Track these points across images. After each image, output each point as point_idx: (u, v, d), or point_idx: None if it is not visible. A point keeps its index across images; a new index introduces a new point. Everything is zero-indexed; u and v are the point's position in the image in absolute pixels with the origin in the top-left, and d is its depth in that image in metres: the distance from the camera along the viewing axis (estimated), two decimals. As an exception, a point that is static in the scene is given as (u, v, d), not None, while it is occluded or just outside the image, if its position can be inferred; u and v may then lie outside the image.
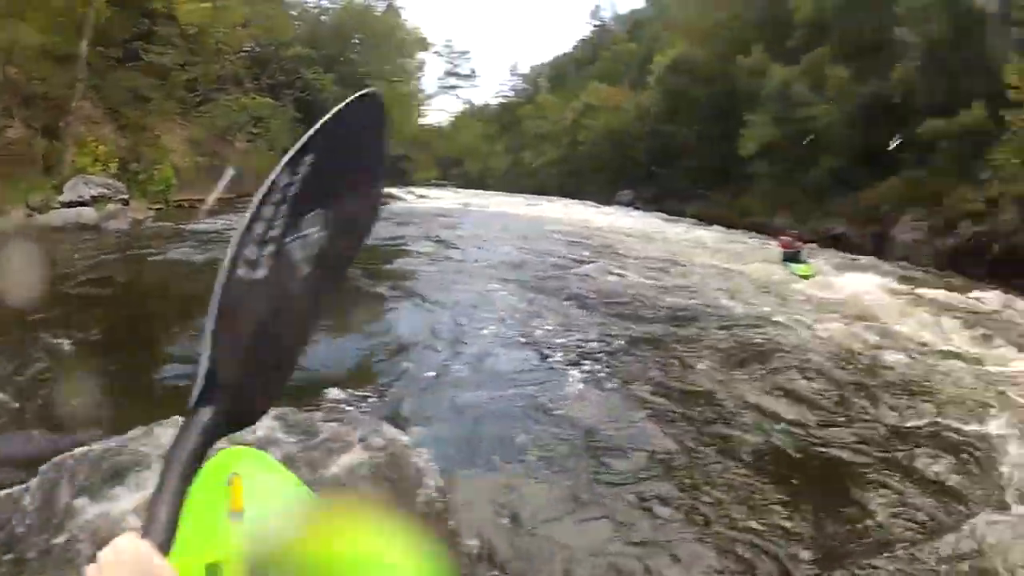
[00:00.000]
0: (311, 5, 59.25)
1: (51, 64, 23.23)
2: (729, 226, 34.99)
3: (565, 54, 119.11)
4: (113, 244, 15.03)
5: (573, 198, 58.21)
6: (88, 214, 18.03)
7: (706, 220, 38.67)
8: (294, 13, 52.44)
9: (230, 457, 1.39)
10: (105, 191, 20.70)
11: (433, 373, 6.93)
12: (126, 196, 22.06)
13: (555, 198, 55.41)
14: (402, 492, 3.93)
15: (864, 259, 22.97)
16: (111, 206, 19.70)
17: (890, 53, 30.84)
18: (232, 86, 35.72)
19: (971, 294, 15.47)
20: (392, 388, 6.30)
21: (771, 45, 42.23)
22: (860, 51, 34.18)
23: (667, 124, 55.59)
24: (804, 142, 34.87)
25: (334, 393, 5.81)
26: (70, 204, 19.24)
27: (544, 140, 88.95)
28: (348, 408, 5.49)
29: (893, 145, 28.37)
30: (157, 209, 23.13)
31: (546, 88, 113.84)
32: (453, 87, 73.22)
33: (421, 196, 41.15)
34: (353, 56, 51.08)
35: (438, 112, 75.97)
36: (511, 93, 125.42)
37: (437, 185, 64.92)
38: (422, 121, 69.26)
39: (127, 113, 27.44)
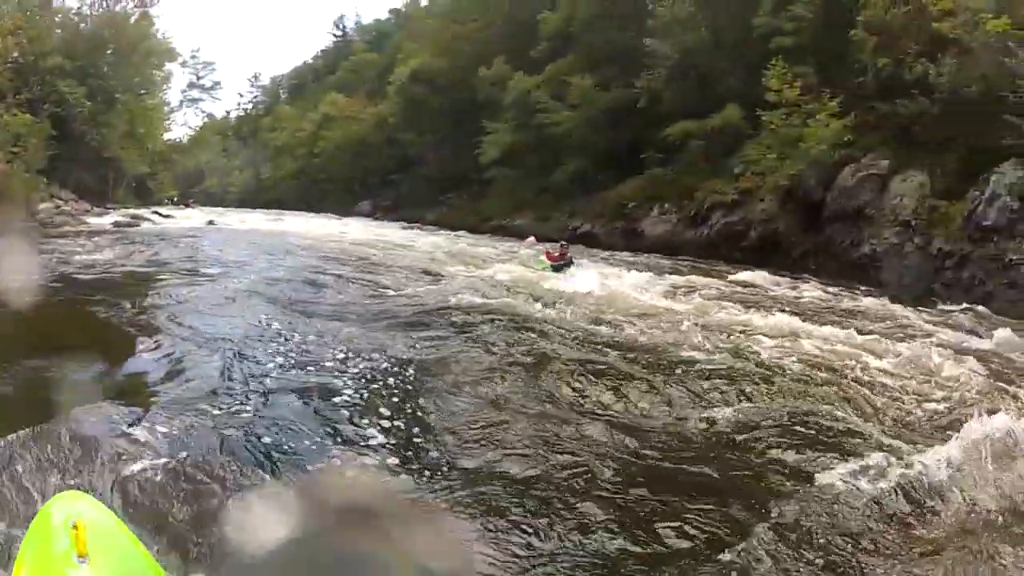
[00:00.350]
0: (73, 13, 53.06)
1: None
2: (472, 230, 34.21)
3: (306, 64, 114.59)
4: None
5: (313, 211, 55.70)
6: None
7: (448, 226, 37.49)
8: (58, 19, 46.53)
9: (66, 502, 1.36)
10: None
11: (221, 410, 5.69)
12: None
13: (296, 213, 52.34)
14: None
15: (620, 254, 23.30)
16: None
17: (637, 63, 31.32)
18: None
19: (731, 276, 16.78)
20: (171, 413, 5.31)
21: (514, 56, 42.26)
22: (606, 60, 34.81)
23: (406, 133, 54.30)
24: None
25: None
26: None
27: (282, 153, 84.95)
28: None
29: (647, 154, 29.32)
30: None
31: (285, 99, 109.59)
32: (196, 100, 67.37)
33: (167, 216, 37.69)
34: (105, 68, 45.65)
35: (180, 127, 69.70)
36: (250, 105, 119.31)
37: (180, 203, 59.65)
38: (167, 136, 63.55)
39: None
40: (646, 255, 22.83)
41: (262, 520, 3.68)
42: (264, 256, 17.99)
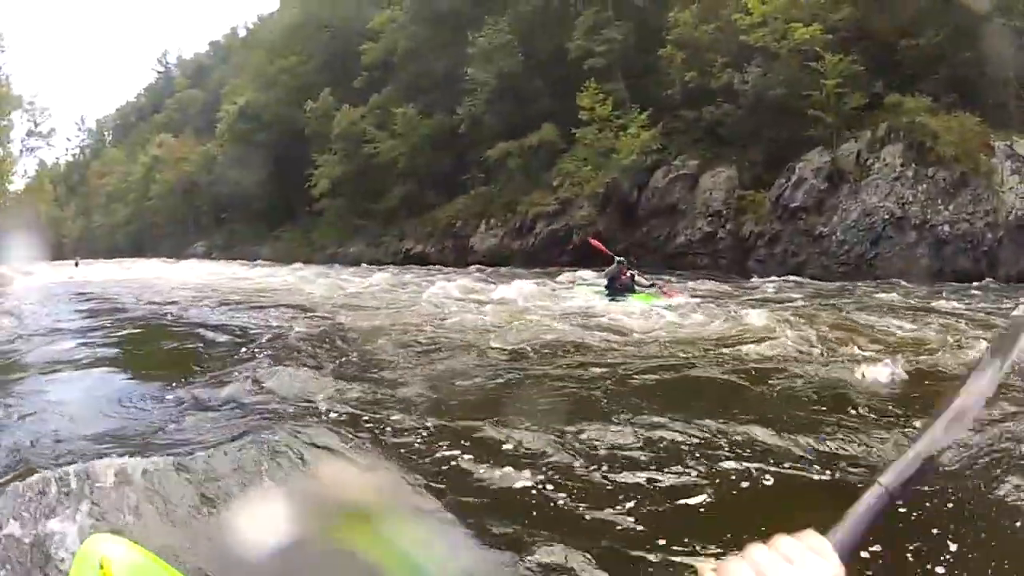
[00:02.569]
0: None
1: None
2: (307, 262, 33.39)
3: (129, 103, 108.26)
4: None
5: (147, 256, 53.63)
6: None
7: (282, 260, 36.48)
8: None
9: (97, 543, 1.30)
10: None
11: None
12: None
13: (133, 259, 50.47)
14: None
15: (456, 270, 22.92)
16: None
17: (458, 89, 31.73)
18: None
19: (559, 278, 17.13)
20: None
21: (338, 87, 41.86)
22: (427, 89, 35.00)
23: (235, 170, 51.82)
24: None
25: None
26: None
27: (114, 199, 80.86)
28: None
29: (470, 175, 30.18)
30: None
31: (111, 142, 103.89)
32: (34, 148, 62.95)
33: (27, 272, 34.03)
34: None
35: (21, 177, 63.89)
36: (78, 150, 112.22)
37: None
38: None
39: None
40: (476, 268, 22.70)
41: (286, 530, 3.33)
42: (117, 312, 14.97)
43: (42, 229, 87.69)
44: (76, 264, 34.50)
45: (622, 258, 12.73)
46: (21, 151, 62.14)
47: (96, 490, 3.67)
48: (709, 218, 20.26)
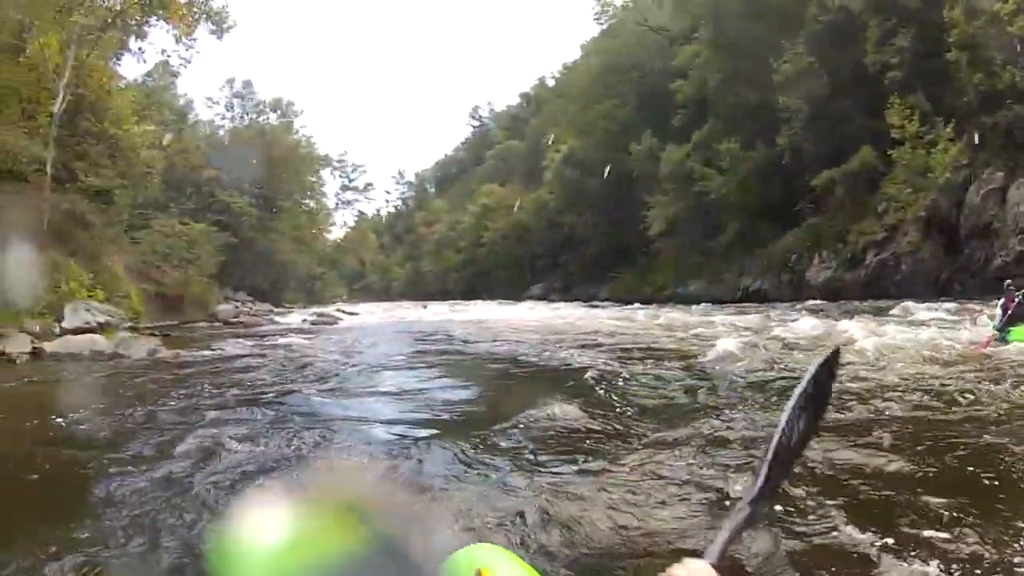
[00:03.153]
0: (216, 125, 61.84)
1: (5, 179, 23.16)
2: (645, 302, 35.83)
3: (448, 156, 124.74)
4: (170, 378, 11.60)
5: (483, 299, 59.41)
6: (101, 342, 17.02)
7: (620, 300, 40.24)
8: (202, 133, 54.46)
9: (475, 552, 1.44)
10: (110, 318, 20.38)
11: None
12: (130, 324, 21.85)
13: (469, 302, 55.44)
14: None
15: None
16: (120, 334, 18.77)
17: (774, 118, 35.04)
18: (156, 211, 36.39)
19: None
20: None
21: (657, 127, 46.71)
22: (744, 121, 38.63)
23: (566, 215, 59.65)
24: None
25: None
26: (76, 331, 18.49)
27: (443, 246, 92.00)
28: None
29: (800, 206, 32.60)
30: (162, 336, 20.60)
31: (433, 193, 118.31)
32: (350, 201, 75.39)
33: (351, 313, 40.48)
34: (261, 176, 52.68)
35: (340, 228, 75.58)
36: (399, 202, 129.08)
37: (352, 301, 65.99)
38: (330, 237, 71.02)
39: (79, 237, 26.77)
40: (812, 302, 24.46)
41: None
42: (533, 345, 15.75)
43: (366, 274, 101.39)
44: (425, 307, 39.95)
45: (1009, 280, 11.28)
46: (336, 204, 73.77)
47: (465, 501, 4.10)
48: (1020, 235, 21.06)
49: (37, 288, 21.12)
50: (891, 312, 16.96)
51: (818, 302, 24.40)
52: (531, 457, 5.15)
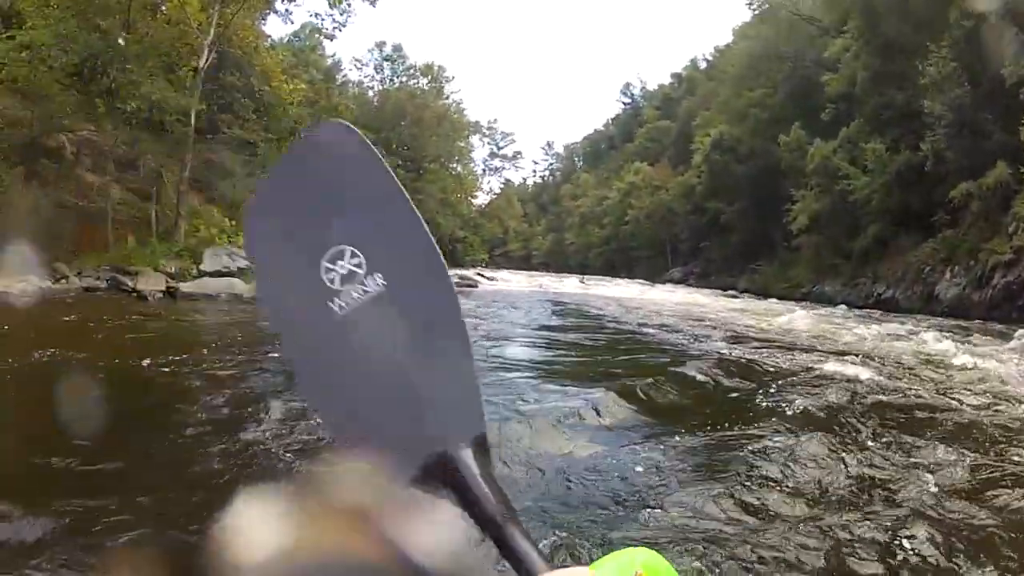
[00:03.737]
0: (365, 87, 64.82)
1: (150, 129, 24.57)
2: (781, 298, 37.35)
3: (597, 131, 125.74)
4: None
5: (621, 276, 61.51)
6: (239, 285, 18.24)
7: (757, 293, 41.78)
8: (351, 93, 56.65)
9: (633, 555, 1.12)
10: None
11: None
12: None
13: (607, 278, 57.80)
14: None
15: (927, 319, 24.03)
16: None
17: (919, 122, 34.53)
18: None
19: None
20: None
21: (806, 120, 46.52)
22: (890, 122, 38.31)
23: (712, 201, 60.07)
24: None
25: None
26: (216, 274, 20.10)
27: (588, 220, 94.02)
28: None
29: (937, 217, 32.23)
30: None
31: (581, 167, 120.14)
32: (498, 168, 77.20)
33: (490, 279, 42.19)
34: (410, 139, 55.03)
35: (485, 194, 76.65)
36: (546, 172, 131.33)
37: (492, 266, 67.56)
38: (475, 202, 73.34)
39: (220, 186, 28.80)
40: (940, 317, 24.70)
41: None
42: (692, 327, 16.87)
43: (509, 242, 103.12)
44: (582, 280, 40.35)
45: None
46: (484, 170, 75.12)
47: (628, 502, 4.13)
48: None
49: (176, 232, 23.28)
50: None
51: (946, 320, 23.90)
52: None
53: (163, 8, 27.13)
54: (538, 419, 5.92)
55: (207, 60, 26.26)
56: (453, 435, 0.91)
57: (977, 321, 22.89)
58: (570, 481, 4.61)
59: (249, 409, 5.91)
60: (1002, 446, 5.69)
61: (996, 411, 7.21)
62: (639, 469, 4.87)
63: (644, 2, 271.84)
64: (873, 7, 39.59)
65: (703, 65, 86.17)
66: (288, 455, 4.73)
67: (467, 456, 0.89)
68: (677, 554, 3.45)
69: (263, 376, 7.64)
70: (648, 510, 4.09)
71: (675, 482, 4.62)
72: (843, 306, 29.66)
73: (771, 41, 54.28)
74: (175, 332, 11.92)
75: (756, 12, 57.62)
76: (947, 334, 16.03)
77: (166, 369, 7.79)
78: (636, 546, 0.93)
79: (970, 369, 10.21)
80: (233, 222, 25.85)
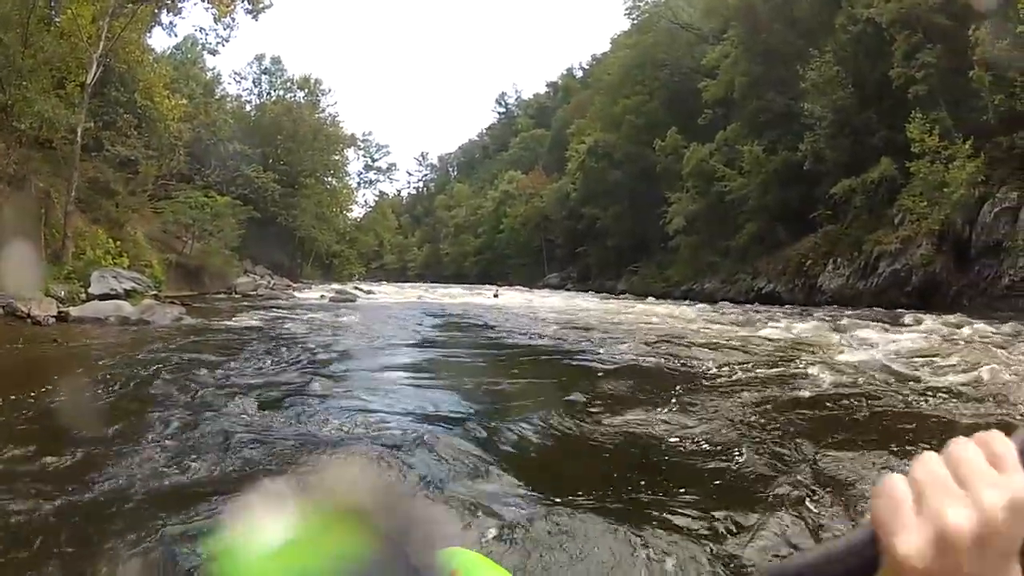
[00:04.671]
0: (243, 101, 62.81)
1: (37, 149, 23.67)
2: (661, 296, 37.92)
3: (472, 141, 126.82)
4: (194, 342, 12.65)
5: (498, 284, 60.32)
6: (127, 308, 17.57)
7: (637, 293, 41.99)
8: (229, 107, 54.82)
9: (450, 556, 1.24)
10: (136, 285, 21.04)
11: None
12: (156, 291, 22.62)
13: (486, 286, 56.53)
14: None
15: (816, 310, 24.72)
16: (147, 300, 19.43)
17: (798, 124, 35.52)
18: (179, 182, 36.38)
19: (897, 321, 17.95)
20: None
21: (682, 125, 47.37)
22: (768, 125, 39.28)
23: (588, 206, 60.27)
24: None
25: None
26: (104, 296, 19.17)
27: (463, 230, 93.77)
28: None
29: (817, 213, 33.23)
30: (184, 305, 21.20)
31: (456, 177, 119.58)
32: (372, 181, 76.17)
33: (368, 292, 41.09)
34: (286, 153, 53.59)
35: (361, 207, 75.41)
36: (421, 183, 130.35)
37: (368, 280, 66.93)
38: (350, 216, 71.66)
39: (104, 205, 27.72)
40: (824, 308, 25.37)
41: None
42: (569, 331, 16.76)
43: (384, 254, 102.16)
44: (496, 295, 39.40)
45: None
46: (359, 183, 74.43)
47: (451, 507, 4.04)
48: None
49: (64, 254, 21.92)
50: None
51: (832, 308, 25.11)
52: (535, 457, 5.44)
53: (57, 21, 26.27)
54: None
55: (95, 75, 25.27)
56: None
57: (864, 309, 23.47)
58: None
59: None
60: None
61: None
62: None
63: (521, 13, 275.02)
64: (755, 14, 40.55)
65: (579, 74, 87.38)
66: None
67: None
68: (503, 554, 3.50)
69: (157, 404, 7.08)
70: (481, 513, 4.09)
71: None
72: (725, 303, 30.13)
73: (649, 49, 55.11)
74: (69, 358, 11.04)
75: (635, 21, 58.35)
76: (827, 321, 17.22)
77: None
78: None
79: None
80: (118, 243, 24.74)
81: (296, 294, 35.70)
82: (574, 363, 11.03)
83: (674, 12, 53.24)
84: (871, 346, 11.83)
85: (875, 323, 16.77)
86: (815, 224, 33.68)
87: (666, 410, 6.79)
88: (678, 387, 8.00)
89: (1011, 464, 0.60)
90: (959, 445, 0.62)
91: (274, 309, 22.44)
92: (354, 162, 78.87)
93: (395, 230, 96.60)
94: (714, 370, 9.38)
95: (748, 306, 28.04)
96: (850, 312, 21.92)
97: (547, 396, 7.72)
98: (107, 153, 29.15)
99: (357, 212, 74.74)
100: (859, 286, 28.27)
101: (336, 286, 42.73)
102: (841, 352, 11.11)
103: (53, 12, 26.67)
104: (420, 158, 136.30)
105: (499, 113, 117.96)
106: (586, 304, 31.18)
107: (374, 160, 76.12)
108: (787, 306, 27.81)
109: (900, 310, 21.34)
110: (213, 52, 40.93)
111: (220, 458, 4.99)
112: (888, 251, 27.45)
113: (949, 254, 25.08)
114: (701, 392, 7.78)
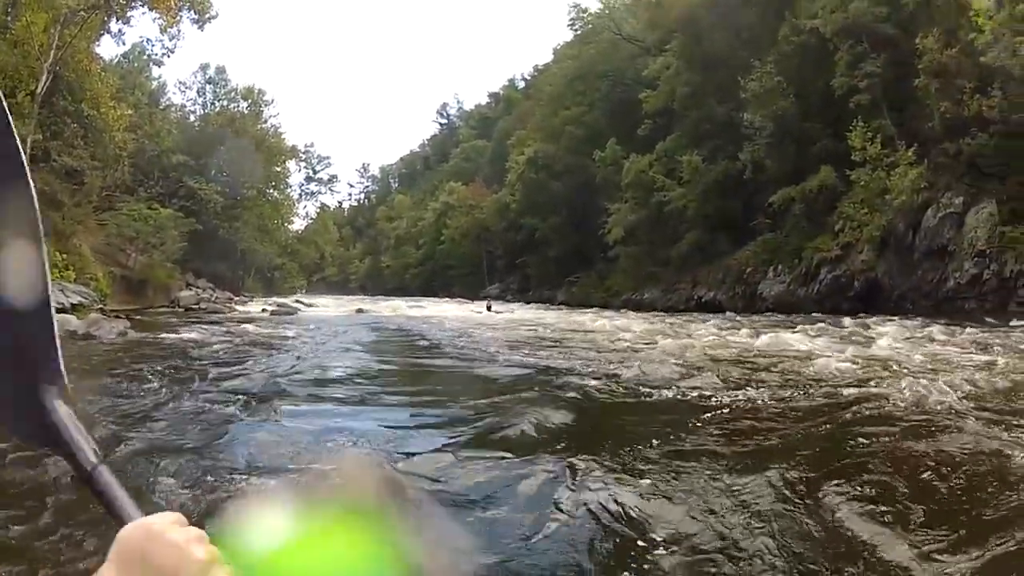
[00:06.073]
0: (187, 111, 61.03)
1: None
2: (603, 307, 37.53)
3: (413, 152, 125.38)
4: (144, 353, 12.40)
5: (439, 296, 59.91)
6: (73, 322, 17.00)
7: (577, 304, 41.54)
8: (173, 118, 53.55)
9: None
10: (83, 299, 20.60)
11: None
12: (101, 305, 21.97)
13: (426, 299, 56.69)
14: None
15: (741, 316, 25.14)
16: (92, 315, 18.86)
17: (738, 134, 35.49)
18: (123, 194, 35.93)
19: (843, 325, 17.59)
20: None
21: (623, 136, 47.01)
22: (708, 135, 39.14)
23: (528, 217, 59.43)
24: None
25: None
26: None
27: (404, 242, 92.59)
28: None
29: (757, 221, 33.05)
30: (129, 319, 20.14)
31: (397, 188, 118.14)
32: (314, 193, 74.72)
33: (309, 304, 41.12)
34: (228, 164, 52.08)
35: (302, 219, 73.97)
36: (362, 195, 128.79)
37: (310, 292, 66.00)
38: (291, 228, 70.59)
39: (51, 217, 25.68)
40: (766, 315, 25.31)
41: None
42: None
43: (326, 267, 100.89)
44: (489, 308, 37.50)
45: None
46: (300, 195, 73.16)
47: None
48: (975, 259, 21.85)
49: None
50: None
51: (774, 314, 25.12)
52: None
53: (12, 29, 26.06)
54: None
55: (45, 84, 25.23)
56: (42, 385, 0.95)
57: (803, 315, 23.39)
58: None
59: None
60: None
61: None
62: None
63: (464, 24, 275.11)
64: (698, 24, 40.36)
65: (521, 84, 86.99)
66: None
67: (56, 405, 0.94)
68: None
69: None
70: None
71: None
72: (663, 313, 29.70)
73: (591, 60, 54.84)
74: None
75: (578, 32, 57.90)
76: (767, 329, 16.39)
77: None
78: None
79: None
80: (64, 256, 24.16)
81: (238, 307, 34.86)
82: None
83: (617, 24, 52.95)
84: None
85: (831, 328, 16.42)
86: (755, 232, 33.50)
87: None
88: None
89: None
90: None
91: (216, 324, 21.51)
92: (296, 174, 77.58)
93: (337, 242, 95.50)
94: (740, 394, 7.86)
95: (695, 314, 27.92)
96: (799, 318, 21.53)
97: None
98: (54, 164, 28.41)
99: (299, 224, 73.78)
100: (800, 293, 28.20)
101: (277, 299, 42.52)
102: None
103: (9, 18, 26.42)
104: (362, 169, 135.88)
105: (440, 124, 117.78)
106: (526, 316, 30.04)
107: (316, 172, 74.73)
108: (729, 313, 27.56)
109: (841, 316, 21.11)
110: (158, 63, 40.09)
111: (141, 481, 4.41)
112: (828, 258, 27.44)
113: (892, 259, 25.09)
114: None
